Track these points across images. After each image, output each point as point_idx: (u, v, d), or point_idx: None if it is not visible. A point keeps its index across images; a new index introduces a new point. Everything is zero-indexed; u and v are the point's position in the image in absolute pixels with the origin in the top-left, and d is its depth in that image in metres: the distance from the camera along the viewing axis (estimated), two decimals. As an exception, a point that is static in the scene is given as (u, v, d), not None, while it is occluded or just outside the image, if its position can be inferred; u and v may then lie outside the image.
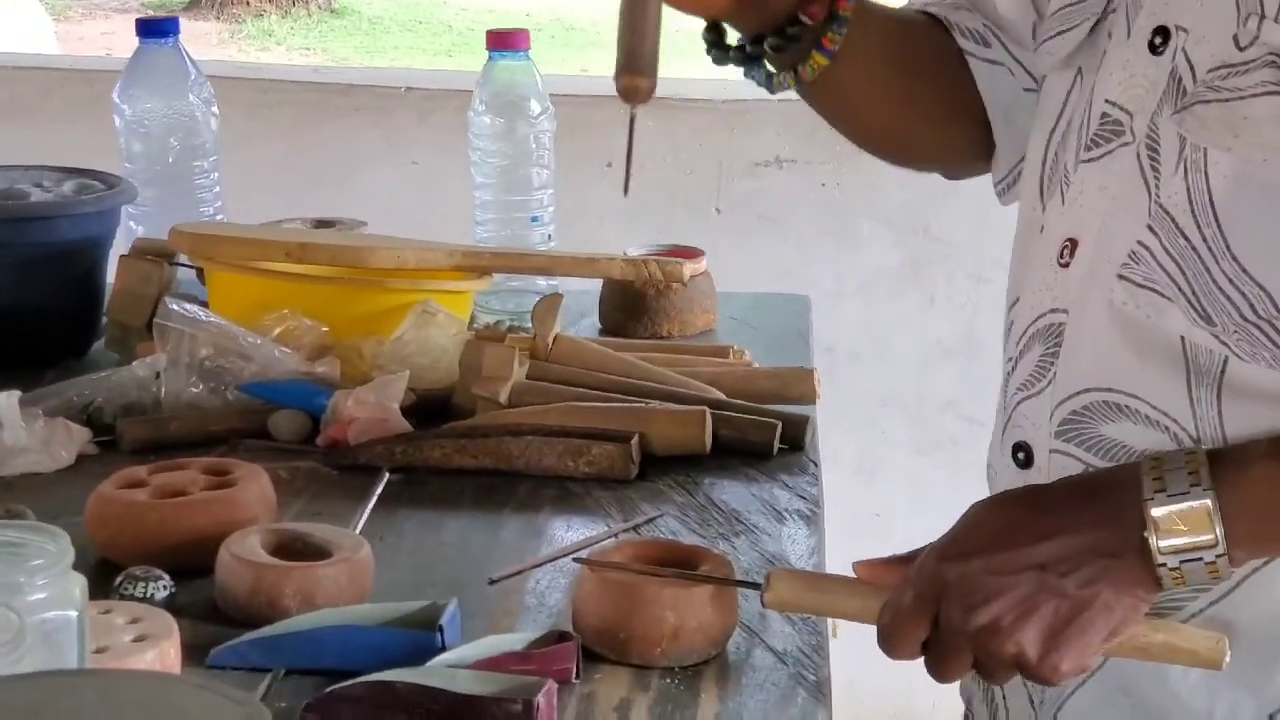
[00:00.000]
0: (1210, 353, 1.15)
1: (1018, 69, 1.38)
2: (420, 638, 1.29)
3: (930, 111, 1.43)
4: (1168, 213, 1.16)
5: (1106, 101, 1.22)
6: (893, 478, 3.27)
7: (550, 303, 1.82)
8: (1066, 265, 1.23)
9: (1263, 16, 1.12)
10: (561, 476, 1.66)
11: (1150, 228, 1.17)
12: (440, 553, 1.52)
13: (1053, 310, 1.24)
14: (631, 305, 2.05)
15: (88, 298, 2.00)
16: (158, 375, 1.76)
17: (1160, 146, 1.17)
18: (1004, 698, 1.33)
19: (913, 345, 3.16)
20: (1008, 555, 1.14)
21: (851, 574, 1.26)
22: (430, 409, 1.78)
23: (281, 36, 13.51)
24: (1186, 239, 1.15)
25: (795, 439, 1.74)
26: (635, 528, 1.56)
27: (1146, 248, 1.17)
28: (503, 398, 1.74)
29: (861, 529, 3.24)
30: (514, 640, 1.30)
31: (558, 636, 1.30)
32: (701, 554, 1.38)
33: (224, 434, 1.74)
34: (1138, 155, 1.19)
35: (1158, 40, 1.19)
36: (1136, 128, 1.19)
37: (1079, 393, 1.22)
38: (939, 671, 1.20)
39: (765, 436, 1.72)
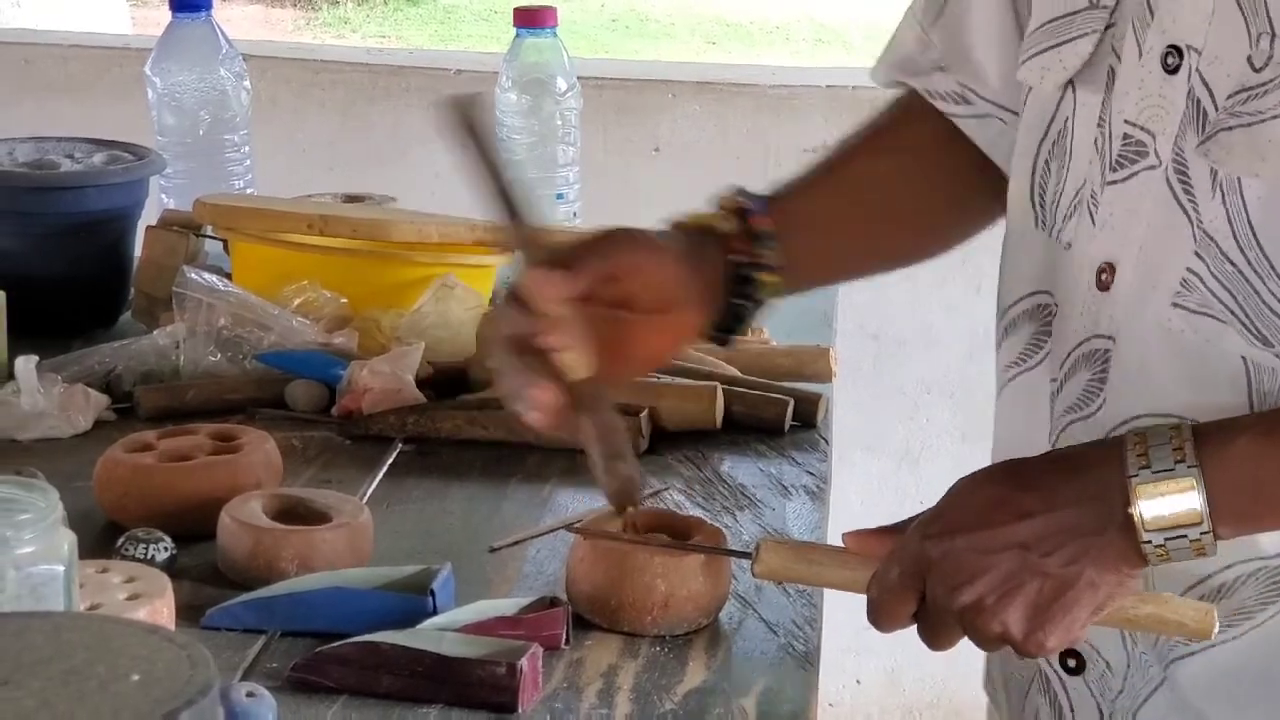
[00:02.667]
0: (1273, 372, 1.14)
1: (1006, 115, 1.36)
2: (412, 601, 1.30)
3: (946, 198, 1.44)
4: (1211, 238, 1.15)
5: (1126, 122, 1.20)
6: (939, 465, 3.26)
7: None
8: (1107, 289, 1.21)
9: (1274, 35, 1.11)
10: (570, 449, 1.66)
11: (1197, 254, 1.15)
12: (444, 521, 1.53)
13: (1096, 335, 1.23)
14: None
15: (115, 268, 2.02)
16: (177, 345, 1.78)
17: (1190, 172, 1.16)
18: (1071, 711, 1.32)
19: (960, 332, 3.15)
20: (989, 533, 1.13)
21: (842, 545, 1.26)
22: (447, 382, 1.79)
23: (358, 24, 13.56)
24: (1232, 263, 1.14)
25: (808, 416, 1.74)
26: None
27: (1196, 274, 1.16)
28: (517, 371, 1.74)
29: (906, 515, 3.23)
30: (505, 606, 1.31)
31: (549, 603, 1.31)
32: (695, 524, 1.38)
33: (241, 402, 1.75)
34: (1168, 181, 1.17)
35: (1171, 60, 1.17)
36: (1161, 150, 1.18)
37: (1134, 418, 1.20)
38: (930, 643, 1.20)
39: (777, 413, 1.72)
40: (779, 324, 1.99)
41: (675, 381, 1.72)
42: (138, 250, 2.01)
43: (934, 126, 1.40)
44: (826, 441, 1.72)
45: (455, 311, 1.83)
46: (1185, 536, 1.11)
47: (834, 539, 1.53)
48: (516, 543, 1.47)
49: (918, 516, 1.20)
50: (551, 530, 1.49)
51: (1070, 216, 1.26)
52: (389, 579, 1.33)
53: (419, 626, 1.26)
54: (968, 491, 1.18)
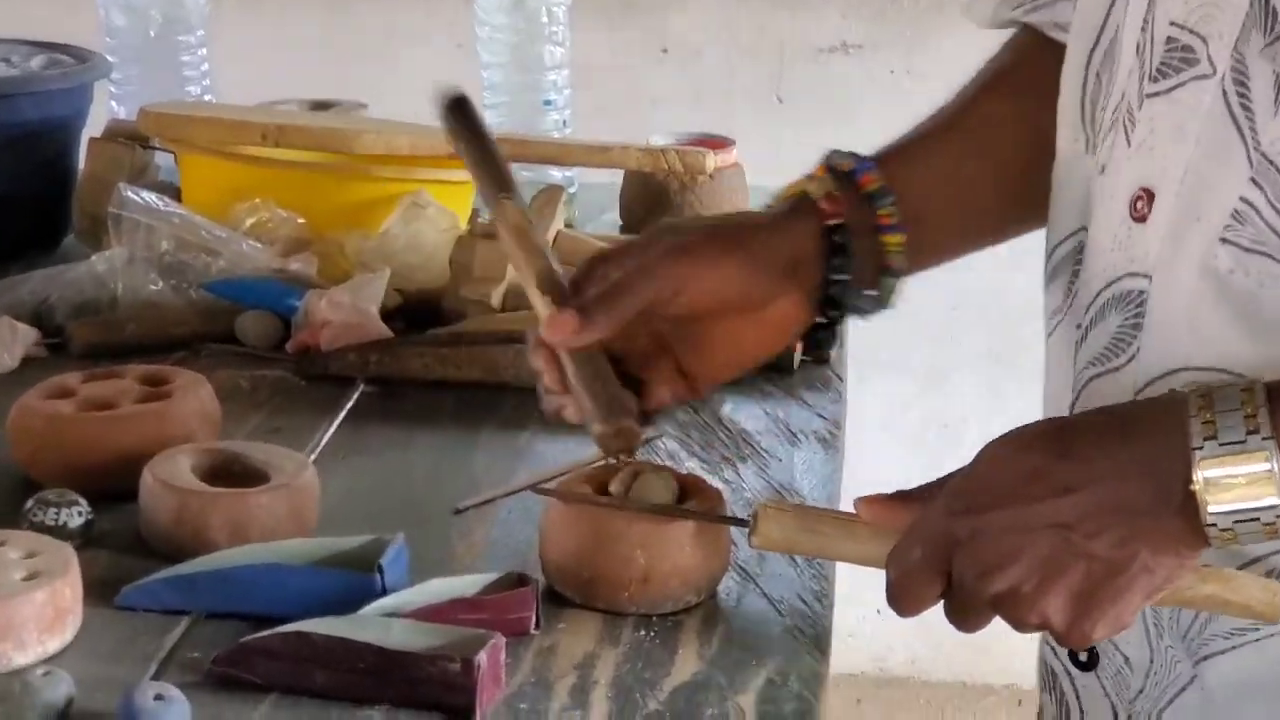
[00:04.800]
0: None
1: None
2: (358, 580, 1.12)
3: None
4: (1271, 162, 0.96)
5: (1171, 24, 1.02)
6: (964, 387, 3.08)
7: (549, 195, 1.63)
8: (1142, 220, 1.03)
9: None
10: (553, 390, 1.47)
11: (1254, 181, 0.97)
12: (405, 476, 1.35)
13: (1130, 274, 1.04)
14: (653, 199, 1.87)
15: (56, 184, 1.83)
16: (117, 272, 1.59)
17: (1250, 83, 0.97)
18: (1081, 712, 1.15)
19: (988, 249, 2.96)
20: (1025, 510, 0.96)
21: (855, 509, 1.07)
22: (418, 313, 1.61)
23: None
24: None
25: (820, 351, 1.54)
26: (627, 450, 1.37)
27: (1251, 205, 0.97)
28: (495, 301, 1.56)
29: (929, 440, 3.06)
30: (465, 584, 1.12)
31: (516, 580, 1.13)
32: (692, 484, 1.19)
33: (185, 337, 1.57)
34: (1224, 93, 0.98)
35: None
36: (1215, 57, 0.99)
37: (1172, 371, 1.02)
38: (960, 627, 1.03)
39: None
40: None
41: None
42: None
43: (1059, 64, 1.19)
44: (840, 379, 1.53)
45: (427, 234, 1.64)
46: (1257, 519, 0.93)
47: (848, 493, 1.36)
48: (484, 503, 1.29)
49: (941, 482, 1.02)
50: (522, 489, 1.30)
51: (1107, 135, 1.08)
52: (332, 552, 1.15)
53: (363, 611, 1.08)
54: (1001, 459, 0.99)
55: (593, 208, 1.96)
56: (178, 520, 1.19)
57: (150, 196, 1.60)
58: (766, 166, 1.95)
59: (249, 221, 1.62)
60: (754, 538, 1.07)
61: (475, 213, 1.83)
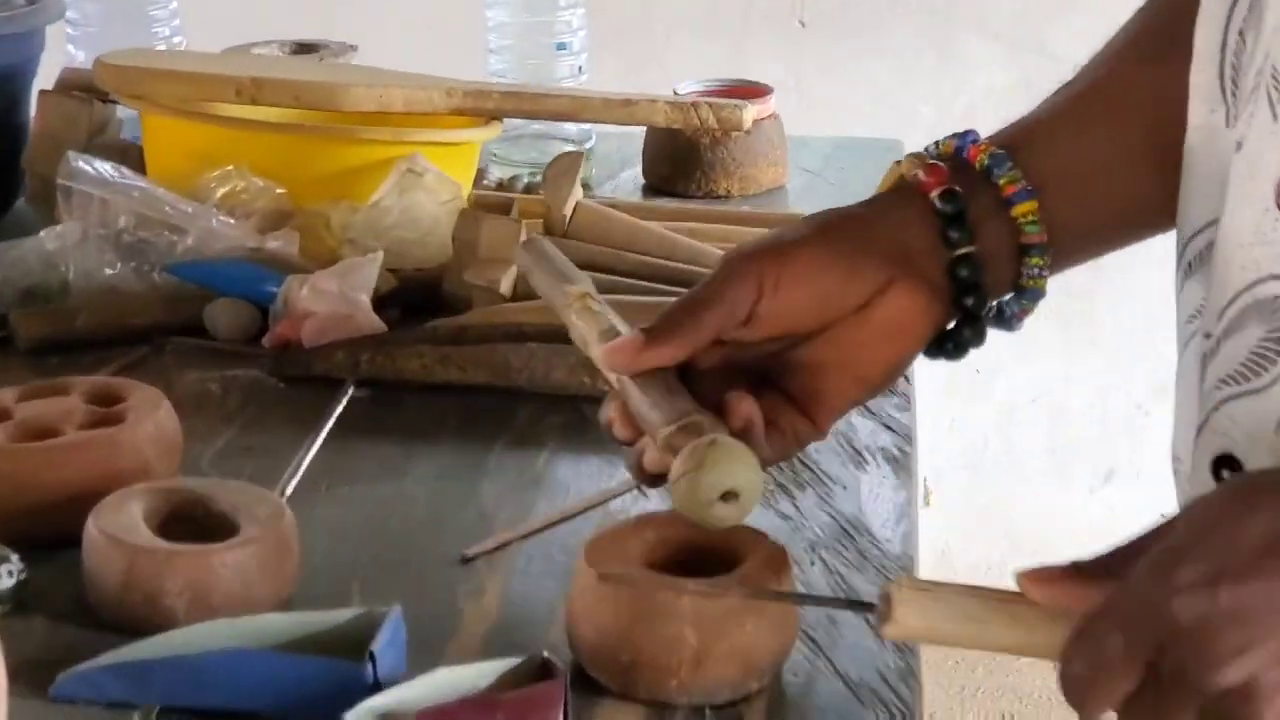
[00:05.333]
0: None
1: None
2: (344, 670, 0.91)
3: None
4: None
5: None
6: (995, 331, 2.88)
7: (567, 163, 1.41)
8: None
9: None
10: (576, 396, 1.26)
11: None
12: (401, 512, 1.14)
13: (1274, 276, 0.86)
14: (681, 157, 1.65)
15: (3, 143, 1.61)
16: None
17: None
18: None
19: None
20: (1268, 585, 0.75)
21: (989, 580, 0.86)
22: (415, 298, 1.40)
23: None
24: None
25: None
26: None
27: None
28: (504, 287, 1.35)
29: (959, 387, 2.87)
30: (476, 675, 0.91)
31: (539, 668, 0.92)
32: (746, 540, 0.97)
33: (145, 329, 1.36)
34: None
35: None
36: None
37: None
38: None
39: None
40: (836, 201, 1.60)
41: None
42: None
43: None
44: (907, 379, 1.32)
45: (425, 205, 1.43)
46: None
47: (926, 530, 1.15)
48: (497, 549, 1.08)
49: (1133, 549, 0.81)
50: (542, 530, 1.10)
51: (1247, 105, 0.89)
52: (313, 629, 0.94)
53: (353, 713, 0.88)
54: (1230, 521, 0.78)
55: (612, 163, 1.75)
56: (127, 584, 0.98)
57: (105, 166, 1.39)
58: (787, 105, 1.74)
59: (220, 192, 1.41)
60: (887, 626, 0.85)
61: (481, 173, 1.61)
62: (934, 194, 0.96)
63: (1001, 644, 0.85)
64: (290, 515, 1.03)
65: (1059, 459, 2.98)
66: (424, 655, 0.94)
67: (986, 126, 1.01)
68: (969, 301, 0.97)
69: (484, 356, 1.27)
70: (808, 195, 1.68)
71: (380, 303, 1.35)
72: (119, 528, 1.00)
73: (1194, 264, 0.95)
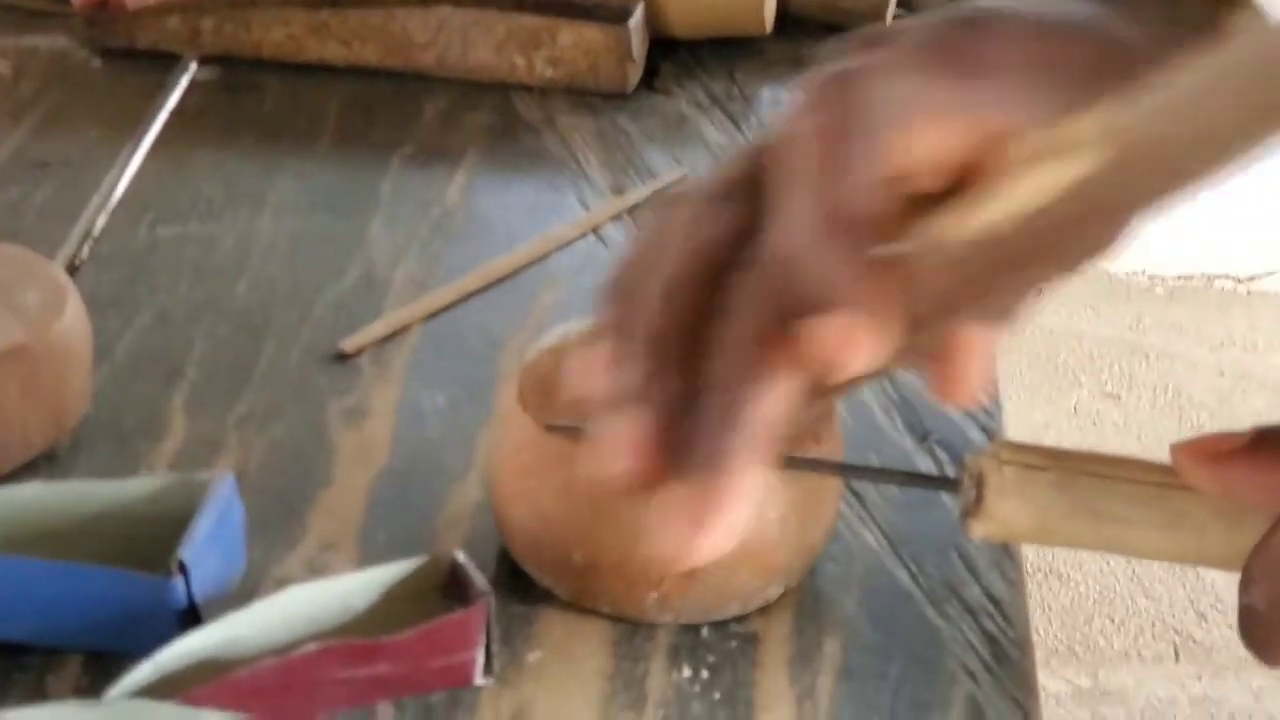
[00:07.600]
0: None
1: None
2: (134, 586, 0.58)
3: None
4: None
5: None
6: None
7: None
8: None
9: None
10: (504, 84, 0.92)
11: None
12: (252, 270, 0.79)
13: None
14: None
15: None
16: None
17: None
18: None
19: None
20: None
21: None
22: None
23: None
24: None
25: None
26: (632, 211, 0.83)
27: None
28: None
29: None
30: (351, 590, 0.58)
31: (449, 572, 0.59)
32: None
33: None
34: None
35: None
36: None
37: None
38: None
39: None
40: None
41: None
42: None
43: None
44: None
45: None
46: None
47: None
48: (391, 336, 0.74)
49: None
50: (461, 301, 0.76)
51: None
52: (101, 504, 0.61)
53: (149, 664, 0.55)
54: None
55: None
56: None
57: None
58: None
59: None
60: (976, 524, 0.53)
61: None
62: None
63: (1146, 548, 0.54)
64: (77, 301, 0.68)
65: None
66: (272, 528, 0.62)
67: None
68: None
69: (375, 26, 0.91)
70: None
71: (237, -60, 0.98)
72: None
73: None
